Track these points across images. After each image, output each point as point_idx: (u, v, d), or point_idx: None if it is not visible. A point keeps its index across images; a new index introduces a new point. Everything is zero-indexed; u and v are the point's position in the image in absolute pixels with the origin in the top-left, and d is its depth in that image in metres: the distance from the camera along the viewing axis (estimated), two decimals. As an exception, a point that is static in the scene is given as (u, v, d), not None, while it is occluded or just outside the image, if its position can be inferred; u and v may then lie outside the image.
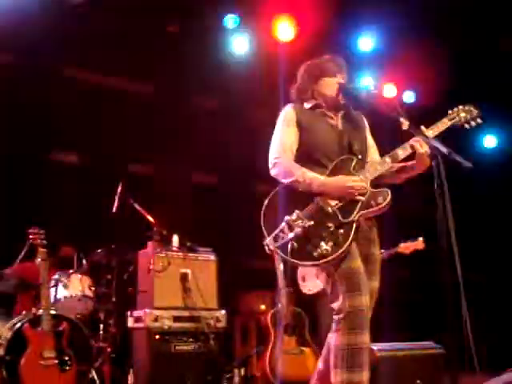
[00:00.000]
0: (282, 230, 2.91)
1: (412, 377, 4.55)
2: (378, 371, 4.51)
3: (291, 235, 2.89)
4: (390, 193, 2.98)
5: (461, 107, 3.25)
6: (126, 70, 6.81)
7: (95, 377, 4.56)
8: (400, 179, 3.24)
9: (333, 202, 2.98)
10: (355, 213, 2.95)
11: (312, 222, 2.92)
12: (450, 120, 3.21)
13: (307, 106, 3.26)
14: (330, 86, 3.23)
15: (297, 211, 2.94)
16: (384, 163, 3.09)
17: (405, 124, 3.00)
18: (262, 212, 3.00)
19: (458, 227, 2.68)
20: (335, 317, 2.90)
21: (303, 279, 5.22)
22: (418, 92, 8.10)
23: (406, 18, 6.78)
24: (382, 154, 3.27)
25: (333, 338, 2.91)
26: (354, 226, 2.93)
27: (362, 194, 2.98)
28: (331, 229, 2.91)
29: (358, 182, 2.99)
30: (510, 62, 7.21)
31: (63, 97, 6.32)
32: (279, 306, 5.46)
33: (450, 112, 3.25)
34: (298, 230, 2.89)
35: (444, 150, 2.87)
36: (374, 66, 7.59)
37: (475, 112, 3.25)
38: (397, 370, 4.47)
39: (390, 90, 7.82)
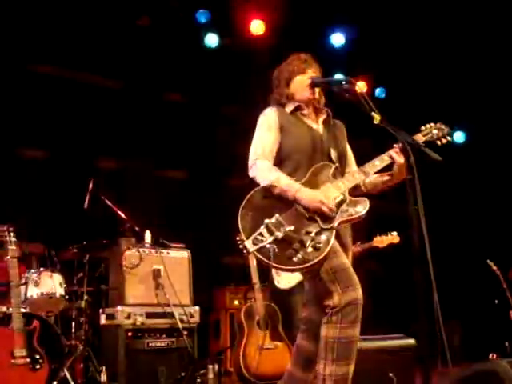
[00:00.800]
0: (261, 233, 2.89)
1: (384, 370, 4.58)
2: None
3: (271, 239, 2.86)
4: (368, 201, 3.00)
5: (432, 124, 3.28)
6: (95, 65, 6.74)
7: (67, 375, 4.50)
8: (376, 190, 3.26)
9: None
10: (335, 220, 2.95)
11: (292, 227, 2.90)
12: (425, 136, 3.24)
13: (288, 109, 3.23)
14: (302, 83, 3.22)
15: (276, 215, 2.92)
16: (361, 173, 3.10)
17: (377, 118, 3.00)
18: (240, 213, 2.95)
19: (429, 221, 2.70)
20: (327, 310, 2.89)
21: (278, 274, 5.22)
22: (389, 88, 8.19)
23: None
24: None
25: (324, 331, 2.90)
26: (334, 232, 2.93)
27: (331, 212, 2.96)
28: (311, 234, 2.90)
29: (330, 200, 2.97)
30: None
31: (31, 92, 6.24)
32: (253, 301, 5.47)
33: (422, 128, 3.28)
34: (278, 234, 2.87)
35: (415, 144, 2.89)
36: (346, 62, 7.62)
37: (446, 130, 3.29)
38: (369, 363, 4.50)
39: (361, 86, 7.86)
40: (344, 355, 2.84)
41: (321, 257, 2.86)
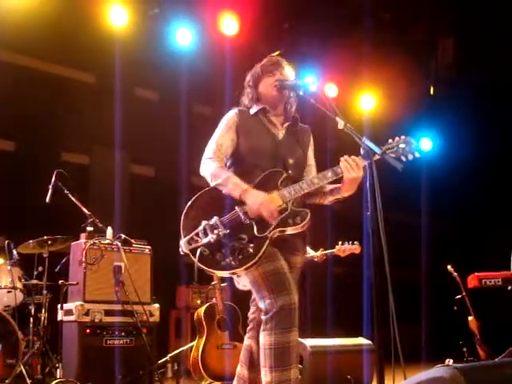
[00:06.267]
0: (197, 234, 2.89)
1: (343, 372, 4.63)
2: (310, 367, 4.57)
3: (204, 241, 2.86)
4: (309, 213, 2.97)
5: (402, 137, 3.17)
6: (67, 58, 6.67)
7: (23, 371, 4.44)
8: (327, 200, 3.24)
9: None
10: (270, 229, 2.91)
11: (227, 231, 2.89)
12: (389, 149, 3.16)
13: (252, 111, 3.23)
14: (269, 85, 3.21)
15: (216, 217, 2.91)
16: (311, 183, 3.05)
17: (340, 123, 3.01)
18: (184, 212, 2.96)
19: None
20: (263, 317, 2.88)
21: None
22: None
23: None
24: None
25: (261, 338, 2.88)
26: (267, 241, 2.89)
27: (272, 218, 2.91)
28: (244, 241, 2.88)
29: (274, 204, 2.93)
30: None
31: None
32: (213, 300, 5.47)
33: (390, 141, 3.20)
34: (211, 236, 2.86)
35: (377, 150, 2.92)
36: (316, 64, 7.65)
37: (414, 145, 3.19)
38: (328, 366, 4.55)
39: (330, 90, 7.91)
40: (281, 361, 2.81)
41: (247, 265, 2.84)
